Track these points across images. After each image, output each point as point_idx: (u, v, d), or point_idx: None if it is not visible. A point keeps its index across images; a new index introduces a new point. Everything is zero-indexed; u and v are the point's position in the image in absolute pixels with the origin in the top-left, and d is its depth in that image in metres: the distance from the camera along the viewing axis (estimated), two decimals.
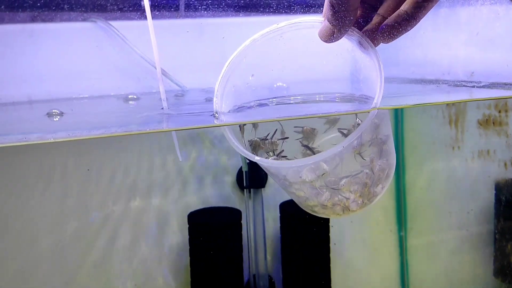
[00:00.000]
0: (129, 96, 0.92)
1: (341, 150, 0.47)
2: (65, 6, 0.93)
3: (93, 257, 0.99)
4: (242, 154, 0.53)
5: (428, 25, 0.88)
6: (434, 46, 0.89)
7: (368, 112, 0.48)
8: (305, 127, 0.58)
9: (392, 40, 0.46)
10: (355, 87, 0.61)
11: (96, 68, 0.94)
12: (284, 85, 0.61)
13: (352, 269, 1.13)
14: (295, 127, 0.59)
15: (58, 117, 0.80)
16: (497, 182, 0.99)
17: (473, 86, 0.72)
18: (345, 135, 0.56)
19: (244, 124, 0.56)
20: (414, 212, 1.08)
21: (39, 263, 0.96)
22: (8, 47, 0.92)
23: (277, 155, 0.56)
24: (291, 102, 0.61)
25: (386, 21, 0.45)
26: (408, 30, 0.45)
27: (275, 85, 0.60)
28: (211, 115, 0.54)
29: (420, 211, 1.08)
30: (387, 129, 0.54)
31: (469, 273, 1.08)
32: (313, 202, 0.52)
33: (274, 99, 0.60)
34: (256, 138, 0.56)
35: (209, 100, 0.74)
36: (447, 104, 0.94)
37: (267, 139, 0.56)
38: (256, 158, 0.52)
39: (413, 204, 1.08)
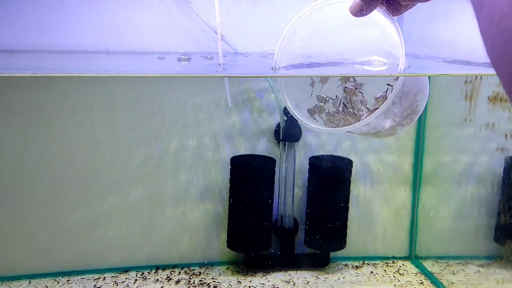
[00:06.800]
0: (191, 53, 1.06)
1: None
2: None
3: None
4: (301, 122, 0.67)
5: (458, 8, 0.97)
6: (462, 29, 0.98)
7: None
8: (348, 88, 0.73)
9: (410, 4, 0.52)
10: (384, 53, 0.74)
11: (164, 28, 1.07)
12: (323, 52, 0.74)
13: (367, 220, 1.25)
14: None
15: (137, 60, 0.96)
16: (506, 157, 1.09)
17: (488, 66, 0.83)
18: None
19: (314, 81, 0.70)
20: (429, 178, 1.20)
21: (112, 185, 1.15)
22: (92, 4, 1.07)
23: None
24: (333, 64, 0.74)
25: None
26: (423, 1, 0.50)
27: (318, 51, 0.73)
28: (270, 68, 0.67)
29: (434, 178, 1.20)
30: (422, 95, 0.68)
31: (472, 236, 1.20)
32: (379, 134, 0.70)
33: (320, 61, 0.74)
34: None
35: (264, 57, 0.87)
36: (465, 81, 1.05)
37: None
38: (312, 126, 0.67)
39: (429, 170, 1.20)
